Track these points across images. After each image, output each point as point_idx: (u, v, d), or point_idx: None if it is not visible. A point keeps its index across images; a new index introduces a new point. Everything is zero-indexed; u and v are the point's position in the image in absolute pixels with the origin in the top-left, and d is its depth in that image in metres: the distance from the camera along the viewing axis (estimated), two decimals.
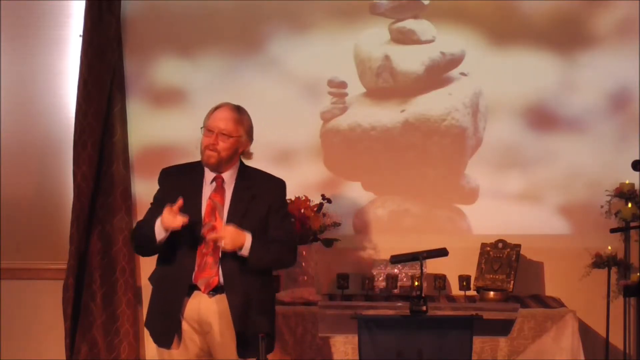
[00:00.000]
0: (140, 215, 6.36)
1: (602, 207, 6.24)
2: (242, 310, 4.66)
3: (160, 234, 4.64)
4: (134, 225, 4.91)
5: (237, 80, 6.37)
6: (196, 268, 4.69)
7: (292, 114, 6.37)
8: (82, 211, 6.23)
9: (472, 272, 6.21)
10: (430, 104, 6.37)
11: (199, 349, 4.75)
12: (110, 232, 6.31)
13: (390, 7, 6.37)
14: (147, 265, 6.32)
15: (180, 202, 4.58)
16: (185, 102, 6.41)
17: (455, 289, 6.20)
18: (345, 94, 6.40)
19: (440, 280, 6.13)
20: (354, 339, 4.36)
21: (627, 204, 6.18)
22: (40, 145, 6.41)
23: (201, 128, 4.77)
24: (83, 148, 6.24)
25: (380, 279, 6.20)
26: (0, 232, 6.34)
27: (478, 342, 5.60)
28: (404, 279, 6.18)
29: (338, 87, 6.40)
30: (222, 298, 4.69)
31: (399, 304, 4.37)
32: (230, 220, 4.68)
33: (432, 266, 5.94)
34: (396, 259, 4.68)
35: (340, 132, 6.41)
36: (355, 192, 6.41)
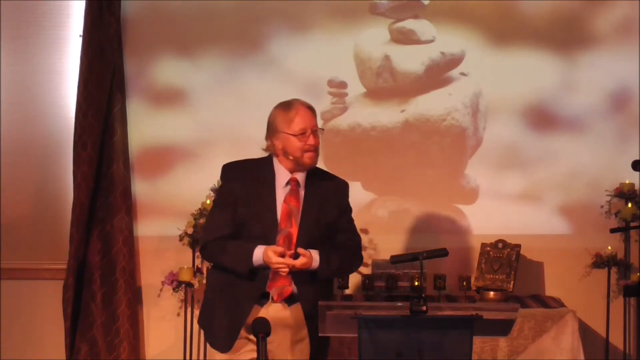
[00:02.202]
0: (141, 215, 6.38)
1: (602, 207, 6.25)
2: (315, 316, 4.51)
3: (259, 265, 4.54)
4: (204, 235, 4.71)
5: (237, 80, 6.37)
6: (270, 276, 4.57)
7: None
8: (82, 211, 6.23)
9: (472, 272, 6.21)
10: (430, 104, 6.37)
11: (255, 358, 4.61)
12: (110, 232, 6.31)
13: (390, 7, 6.37)
14: (148, 265, 6.37)
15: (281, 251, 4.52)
16: (185, 102, 6.42)
17: (455, 289, 6.20)
18: (345, 94, 6.40)
19: (440, 280, 6.13)
20: (353, 339, 4.36)
21: (627, 204, 6.18)
22: (40, 145, 6.41)
23: (278, 133, 4.57)
24: (83, 148, 6.24)
25: (380, 279, 6.19)
26: (0, 232, 6.34)
27: (478, 342, 5.60)
28: (404, 279, 6.17)
29: (338, 87, 6.40)
30: (293, 308, 4.61)
31: (399, 304, 4.36)
32: (303, 226, 4.59)
33: (432, 266, 5.94)
34: (396, 259, 4.66)
35: (340, 132, 6.41)
36: (355, 192, 6.38)
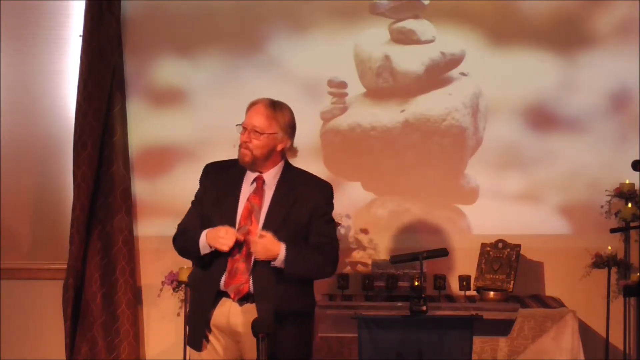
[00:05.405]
0: (141, 215, 6.39)
1: (602, 207, 6.25)
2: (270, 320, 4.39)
3: (205, 248, 4.45)
4: (176, 229, 4.64)
5: (237, 80, 6.37)
6: (226, 274, 4.44)
7: None
8: (82, 211, 6.23)
9: (472, 272, 6.21)
10: (430, 104, 6.37)
11: (229, 355, 4.51)
12: (110, 232, 6.31)
13: (390, 7, 6.37)
14: (147, 265, 6.36)
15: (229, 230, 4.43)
16: (185, 102, 6.42)
17: (455, 289, 6.20)
18: (345, 94, 6.40)
19: (440, 280, 6.12)
20: (353, 339, 4.36)
21: (627, 204, 6.18)
22: (40, 145, 6.41)
23: (237, 125, 4.56)
24: (83, 148, 6.24)
25: (380, 279, 6.19)
26: (0, 232, 6.34)
27: (478, 342, 5.60)
28: (404, 279, 6.18)
29: (338, 87, 6.40)
30: (252, 307, 4.42)
31: (399, 304, 4.36)
32: (267, 224, 4.45)
33: (432, 266, 5.94)
34: (396, 259, 4.67)
35: (340, 132, 6.41)
36: (355, 192, 6.41)
